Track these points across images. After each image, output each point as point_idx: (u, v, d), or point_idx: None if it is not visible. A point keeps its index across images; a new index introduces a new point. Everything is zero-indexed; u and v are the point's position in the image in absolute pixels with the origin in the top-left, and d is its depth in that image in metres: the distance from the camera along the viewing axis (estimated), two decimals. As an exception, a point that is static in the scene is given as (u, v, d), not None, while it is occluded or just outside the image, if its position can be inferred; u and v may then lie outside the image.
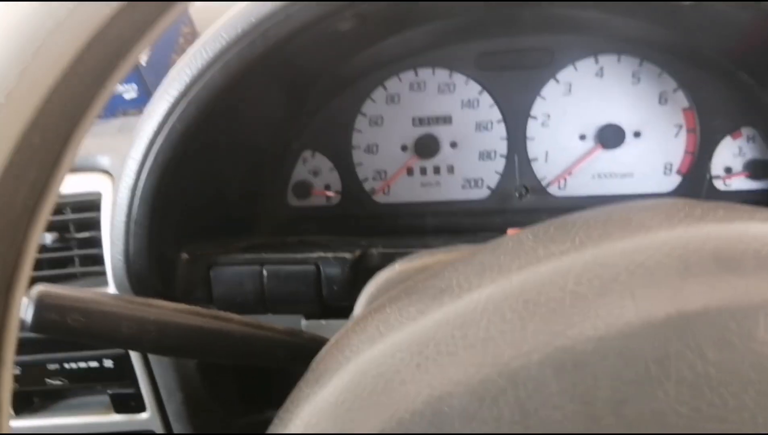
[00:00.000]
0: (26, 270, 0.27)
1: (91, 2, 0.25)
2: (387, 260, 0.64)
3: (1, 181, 0.25)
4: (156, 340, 0.48)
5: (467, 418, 0.26)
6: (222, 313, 0.51)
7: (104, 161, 0.76)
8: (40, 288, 0.45)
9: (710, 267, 0.27)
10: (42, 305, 0.44)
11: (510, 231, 0.50)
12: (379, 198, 0.84)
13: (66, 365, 0.81)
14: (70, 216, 0.77)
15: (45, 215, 0.28)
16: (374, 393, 0.28)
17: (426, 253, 0.51)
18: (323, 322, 0.71)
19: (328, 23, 0.56)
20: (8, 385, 0.27)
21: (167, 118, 0.58)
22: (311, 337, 0.55)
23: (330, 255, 0.64)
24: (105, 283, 0.75)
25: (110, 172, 0.76)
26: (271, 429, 0.34)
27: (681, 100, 0.77)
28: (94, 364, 0.81)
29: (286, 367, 0.55)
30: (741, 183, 0.78)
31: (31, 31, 0.25)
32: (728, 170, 0.78)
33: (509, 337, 0.28)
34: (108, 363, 0.81)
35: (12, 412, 0.82)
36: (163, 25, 0.28)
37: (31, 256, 0.28)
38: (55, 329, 0.45)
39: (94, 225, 0.76)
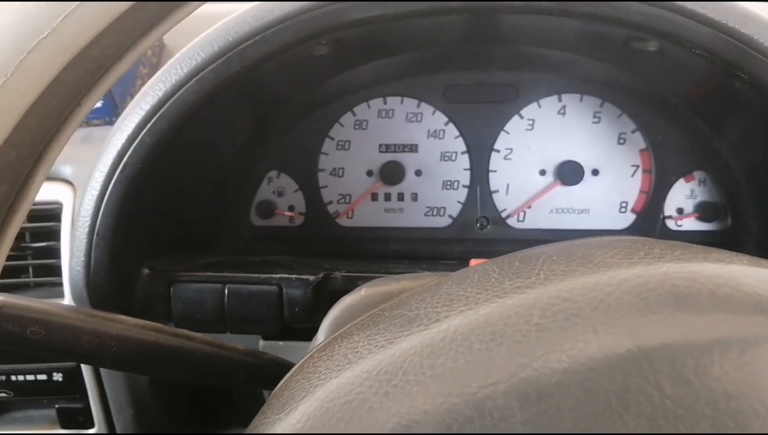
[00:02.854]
0: None
1: (75, 21, 0.25)
2: (350, 284, 0.65)
3: None
4: (116, 355, 0.47)
5: (434, 446, 0.26)
6: (184, 332, 0.50)
7: (66, 171, 0.75)
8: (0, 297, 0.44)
9: (668, 304, 0.28)
10: (1, 315, 0.43)
11: (473, 262, 0.51)
12: (343, 221, 0.84)
13: (13, 377, 0.79)
14: (26, 224, 0.76)
15: (15, 228, 0.28)
16: (341, 420, 0.29)
17: (390, 278, 0.52)
18: (281, 343, 0.71)
19: (305, 47, 0.57)
20: None
21: (138, 131, 0.58)
22: (272, 359, 0.55)
23: (293, 276, 0.64)
24: (59, 295, 0.74)
25: (72, 182, 0.75)
26: None
27: (639, 141, 0.80)
28: (42, 377, 0.79)
29: (246, 388, 0.54)
30: (691, 224, 0.81)
31: (11, 48, 0.25)
32: (680, 211, 0.81)
33: (476, 368, 0.29)
34: (57, 376, 0.79)
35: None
36: (142, 48, 0.28)
37: (-1, 266, 0.28)
38: (12, 341, 0.44)
39: (52, 235, 0.75)
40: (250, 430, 0.34)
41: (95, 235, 0.61)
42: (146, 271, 0.65)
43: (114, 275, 0.63)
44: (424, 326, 0.33)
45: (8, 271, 0.77)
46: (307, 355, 0.39)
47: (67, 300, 0.72)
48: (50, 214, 0.74)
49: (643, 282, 0.30)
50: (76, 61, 0.26)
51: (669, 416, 0.25)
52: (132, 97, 0.57)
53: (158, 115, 0.57)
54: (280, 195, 0.84)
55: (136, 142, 0.58)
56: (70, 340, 0.45)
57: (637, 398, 0.25)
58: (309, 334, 0.70)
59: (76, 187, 0.74)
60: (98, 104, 0.93)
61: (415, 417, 0.27)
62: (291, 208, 0.85)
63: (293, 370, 0.39)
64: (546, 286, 0.32)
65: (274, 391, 0.38)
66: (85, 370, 0.78)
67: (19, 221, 0.28)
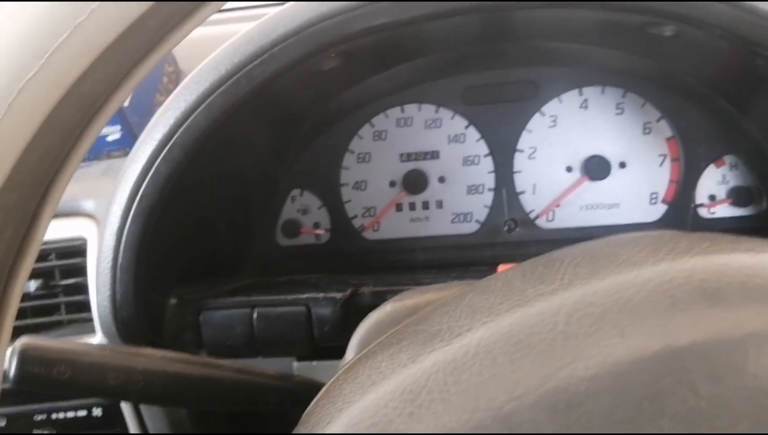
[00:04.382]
0: (8, 323, 0.27)
1: (61, 58, 0.25)
2: (378, 298, 0.64)
3: None
4: (143, 389, 0.47)
5: (462, 466, 0.25)
6: (211, 360, 0.50)
7: (89, 205, 0.75)
8: (24, 340, 0.44)
9: (697, 301, 0.27)
10: (26, 358, 0.43)
11: (501, 267, 0.50)
12: (369, 235, 0.84)
13: (54, 415, 0.79)
14: (54, 262, 0.76)
15: (26, 269, 0.27)
16: (368, 445, 0.28)
17: (416, 291, 0.51)
18: (315, 363, 0.71)
19: (313, 62, 0.56)
20: None
21: (152, 161, 0.58)
22: (302, 380, 0.54)
23: (320, 295, 0.64)
24: (92, 331, 0.74)
25: (95, 216, 0.75)
26: None
27: (664, 129, 0.78)
28: (82, 412, 0.79)
29: (278, 411, 0.54)
30: (725, 210, 0.78)
31: (2, 85, 0.24)
32: (712, 198, 0.78)
33: (501, 381, 0.28)
34: (97, 411, 0.79)
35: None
36: (137, 78, 0.28)
37: (12, 309, 0.27)
38: (39, 382, 0.44)
39: (80, 271, 0.75)
40: None
41: (118, 269, 0.61)
42: (173, 300, 0.65)
43: (141, 308, 0.63)
44: (446, 342, 0.32)
45: (41, 310, 0.77)
46: (334, 377, 0.38)
47: (98, 335, 0.72)
48: (76, 250, 0.75)
49: (669, 279, 0.28)
50: (69, 97, 0.25)
51: (705, 417, 0.23)
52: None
53: (171, 143, 0.57)
54: (305, 213, 0.84)
55: (151, 173, 0.58)
56: (96, 377, 0.45)
57: (670, 401, 0.24)
58: (343, 352, 0.69)
59: (99, 221, 0.74)
60: (116, 136, 0.94)
61: (442, 436, 0.26)
62: (316, 226, 0.84)
63: (320, 393, 0.38)
64: (570, 290, 0.31)
65: (302, 417, 0.37)
66: (124, 404, 0.79)
67: (29, 263, 0.28)
